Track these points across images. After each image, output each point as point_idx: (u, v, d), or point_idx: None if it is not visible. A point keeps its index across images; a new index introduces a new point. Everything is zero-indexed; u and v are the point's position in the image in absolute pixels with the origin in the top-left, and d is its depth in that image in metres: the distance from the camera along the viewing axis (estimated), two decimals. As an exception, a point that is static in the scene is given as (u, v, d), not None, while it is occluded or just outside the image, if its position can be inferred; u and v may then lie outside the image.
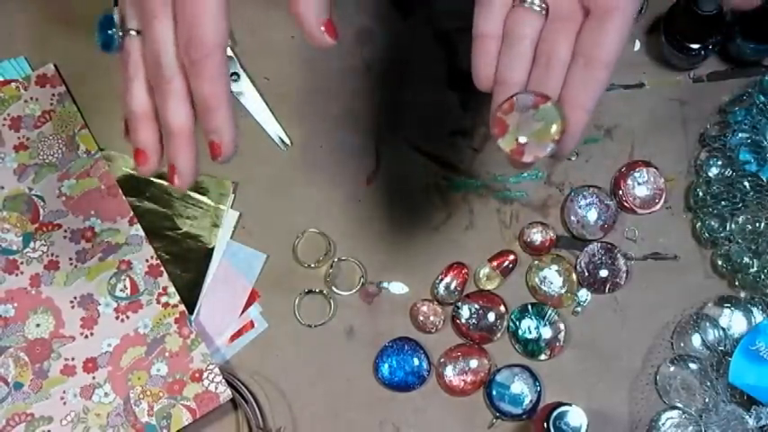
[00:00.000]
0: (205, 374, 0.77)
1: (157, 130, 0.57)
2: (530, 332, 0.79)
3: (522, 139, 0.58)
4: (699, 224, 0.80)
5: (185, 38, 0.54)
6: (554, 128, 0.58)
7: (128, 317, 0.79)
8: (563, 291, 0.80)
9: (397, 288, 0.81)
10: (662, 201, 0.81)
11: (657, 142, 0.82)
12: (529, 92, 0.58)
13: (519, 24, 0.59)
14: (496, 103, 0.60)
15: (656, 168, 0.81)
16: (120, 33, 0.57)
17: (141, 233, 0.80)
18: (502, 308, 0.80)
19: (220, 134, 0.56)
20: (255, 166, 0.82)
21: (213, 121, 0.55)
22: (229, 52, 0.83)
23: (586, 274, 0.80)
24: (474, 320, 0.80)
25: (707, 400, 0.77)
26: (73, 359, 0.78)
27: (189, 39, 0.54)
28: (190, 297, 0.80)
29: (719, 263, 0.79)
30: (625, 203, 0.81)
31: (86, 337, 0.78)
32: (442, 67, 0.84)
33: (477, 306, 0.80)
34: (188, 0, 0.54)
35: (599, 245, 0.80)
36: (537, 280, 0.80)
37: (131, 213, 0.80)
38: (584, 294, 0.80)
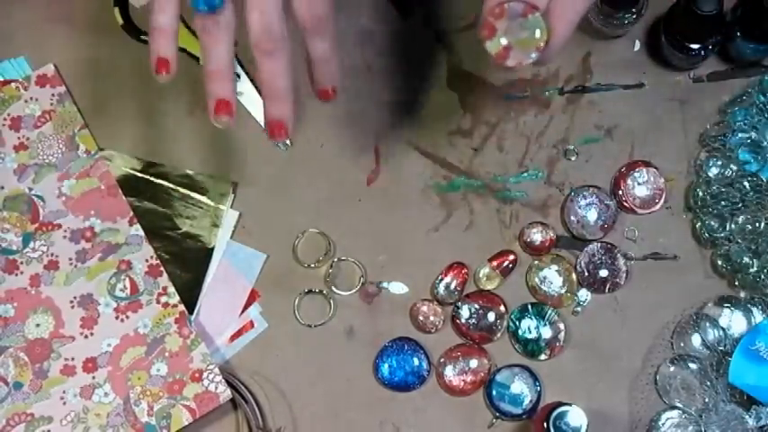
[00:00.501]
0: (205, 374, 0.77)
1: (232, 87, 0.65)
2: (530, 332, 0.79)
3: (508, 44, 0.62)
4: (699, 224, 0.80)
5: (304, 9, 0.61)
6: (539, 36, 0.62)
7: (128, 317, 0.79)
8: (563, 291, 0.80)
9: (397, 288, 0.81)
10: (662, 201, 0.81)
11: (657, 142, 0.82)
12: (520, 0, 0.62)
13: None
14: (488, 6, 0.63)
15: (656, 168, 0.81)
16: None
17: (141, 233, 0.80)
18: (502, 308, 0.80)
19: (334, 80, 0.65)
20: (255, 166, 0.82)
21: (328, 71, 0.65)
22: (229, 52, 0.83)
23: (586, 274, 0.80)
24: (474, 320, 0.80)
25: (707, 400, 0.77)
26: (73, 359, 0.78)
27: (307, 9, 0.61)
28: (190, 297, 0.80)
29: (719, 263, 0.79)
30: (625, 203, 0.81)
31: (86, 337, 0.78)
32: (442, 67, 0.84)
33: (477, 306, 0.80)
34: None
35: (599, 245, 0.80)
36: (537, 280, 0.80)
37: (131, 213, 0.80)
38: (584, 294, 0.80)
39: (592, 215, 0.81)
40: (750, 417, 0.75)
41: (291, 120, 0.65)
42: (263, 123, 0.82)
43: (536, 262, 0.81)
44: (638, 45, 0.84)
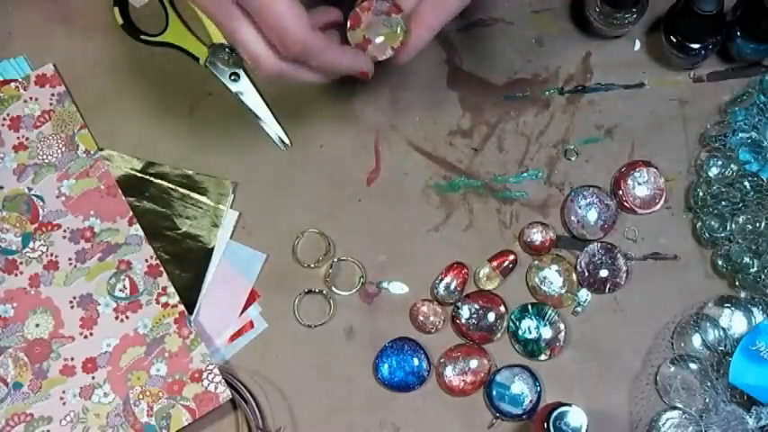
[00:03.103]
0: (204, 375, 0.77)
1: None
2: (530, 332, 0.79)
3: (368, 38, 0.69)
4: (699, 224, 0.80)
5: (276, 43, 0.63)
6: (396, 37, 0.69)
7: (127, 317, 0.79)
8: (563, 291, 0.80)
9: (397, 288, 0.81)
10: (662, 201, 0.81)
11: (657, 142, 0.82)
12: (387, 0, 0.69)
13: None
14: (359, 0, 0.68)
15: (656, 168, 0.81)
16: None
17: (141, 233, 0.80)
18: (502, 308, 0.80)
19: (363, 68, 0.70)
20: (255, 166, 0.82)
21: (350, 68, 0.68)
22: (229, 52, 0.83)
23: (586, 274, 0.80)
24: (474, 320, 0.80)
25: (707, 400, 0.77)
26: (72, 359, 0.78)
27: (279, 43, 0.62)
28: (189, 297, 0.80)
29: (719, 263, 0.79)
30: (625, 203, 0.81)
31: (86, 337, 0.78)
32: (442, 67, 0.84)
33: (477, 306, 0.80)
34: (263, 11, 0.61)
35: (599, 245, 0.80)
36: (537, 280, 0.80)
37: (131, 213, 0.80)
38: (584, 294, 0.80)
39: (592, 215, 0.81)
40: (750, 417, 0.75)
41: (365, 65, 0.70)
42: (263, 124, 0.83)
43: (536, 262, 0.81)
44: (638, 45, 0.84)
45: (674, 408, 0.77)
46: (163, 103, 0.83)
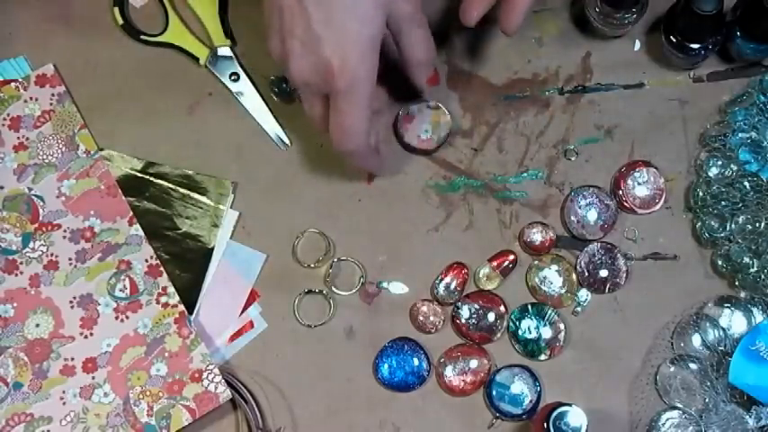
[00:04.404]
0: (205, 374, 0.77)
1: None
2: (530, 332, 0.79)
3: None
4: (699, 224, 0.80)
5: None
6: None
7: (127, 317, 0.79)
8: (563, 291, 0.80)
9: (397, 288, 0.81)
10: (662, 201, 0.81)
11: (657, 142, 0.82)
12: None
13: None
14: None
15: (656, 168, 0.81)
16: None
17: (141, 233, 0.80)
18: (502, 308, 0.80)
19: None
20: (255, 166, 0.82)
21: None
22: (229, 52, 0.83)
23: (586, 274, 0.80)
24: (474, 320, 0.80)
25: (707, 400, 0.77)
26: (72, 359, 0.78)
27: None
28: (189, 297, 0.80)
29: (719, 263, 0.79)
30: (625, 203, 0.81)
31: (86, 337, 0.78)
32: (442, 68, 0.84)
33: (477, 306, 0.80)
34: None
35: (599, 245, 0.80)
36: (537, 280, 0.80)
37: (131, 213, 0.80)
38: (584, 294, 0.80)
39: (592, 215, 0.81)
40: (750, 417, 0.75)
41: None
42: (263, 124, 0.83)
43: (536, 262, 0.81)
44: (638, 45, 0.84)
45: (674, 408, 0.77)
46: (163, 103, 0.83)
